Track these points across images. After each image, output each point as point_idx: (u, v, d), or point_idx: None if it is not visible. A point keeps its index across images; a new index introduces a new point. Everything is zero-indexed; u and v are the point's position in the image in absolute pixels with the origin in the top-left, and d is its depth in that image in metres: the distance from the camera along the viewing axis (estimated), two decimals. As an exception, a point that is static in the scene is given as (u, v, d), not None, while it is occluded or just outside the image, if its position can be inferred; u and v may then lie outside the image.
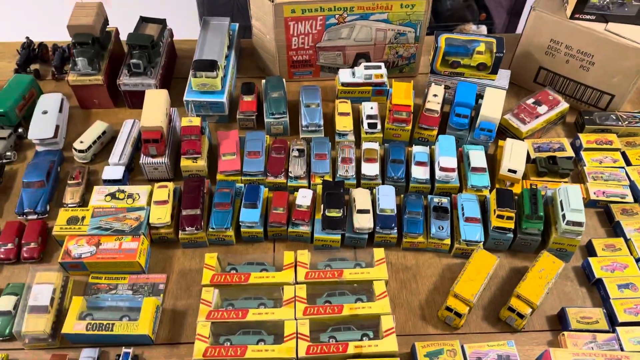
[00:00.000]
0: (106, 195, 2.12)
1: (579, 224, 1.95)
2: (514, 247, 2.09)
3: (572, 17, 2.33)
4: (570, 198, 1.98)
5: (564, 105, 2.44)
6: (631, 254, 2.03)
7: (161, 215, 2.05)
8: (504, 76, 2.49)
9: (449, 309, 1.85)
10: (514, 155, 2.19)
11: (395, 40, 2.55)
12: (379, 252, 1.97)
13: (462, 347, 1.78)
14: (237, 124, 2.47)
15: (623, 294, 1.92)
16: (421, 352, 1.76)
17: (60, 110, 2.43)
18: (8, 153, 2.33)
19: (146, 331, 1.79)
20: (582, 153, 2.33)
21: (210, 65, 2.36)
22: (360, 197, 2.10)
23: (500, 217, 2.00)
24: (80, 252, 1.95)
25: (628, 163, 2.32)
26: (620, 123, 2.40)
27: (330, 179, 2.20)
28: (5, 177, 2.30)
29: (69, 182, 2.20)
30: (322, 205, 2.08)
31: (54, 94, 2.47)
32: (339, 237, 2.05)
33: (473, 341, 1.81)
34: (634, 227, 2.10)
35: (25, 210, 2.12)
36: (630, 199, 2.19)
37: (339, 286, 1.92)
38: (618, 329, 1.83)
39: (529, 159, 2.31)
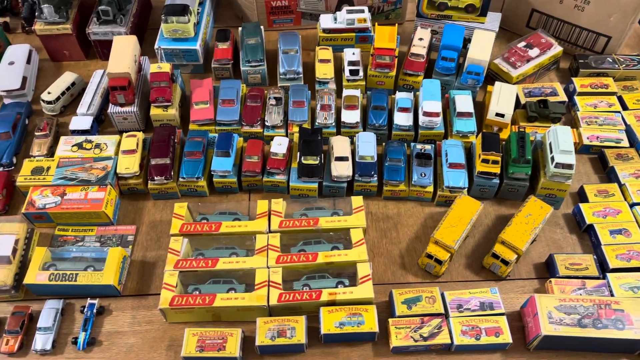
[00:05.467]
0: (73, 146, 2.03)
1: (569, 166, 1.83)
2: (501, 195, 1.98)
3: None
4: (559, 139, 1.86)
5: (557, 49, 2.30)
6: (625, 199, 1.92)
7: (129, 164, 1.95)
8: (494, 19, 2.35)
9: (429, 255, 1.76)
10: (502, 99, 2.07)
11: (379, -18, 2.41)
12: (357, 200, 1.87)
13: (442, 294, 1.69)
14: (213, 74, 2.35)
15: (615, 240, 1.81)
16: (398, 298, 1.67)
17: (29, 62, 2.33)
18: (-26, 106, 2.24)
19: (111, 281, 1.71)
20: (576, 98, 2.21)
21: (181, 10, 2.24)
22: (339, 145, 2.00)
23: (485, 161, 1.89)
24: (44, 203, 1.86)
25: (625, 107, 2.19)
26: (617, 66, 2.27)
27: (309, 127, 2.09)
28: (-29, 131, 2.21)
29: (36, 133, 2.10)
30: (298, 153, 1.98)
31: (21, 45, 2.36)
32: (315, 185, 1.95)
33: (455, 289, 1.72)
34: (629, 171, 1.98)
35: (-11, 163, 2.04)
36: (625, 143, 2.07)
37: (315, 235, 1.83)
38: (609, 275, 1.73)
39: (519, 105, 2.18)
